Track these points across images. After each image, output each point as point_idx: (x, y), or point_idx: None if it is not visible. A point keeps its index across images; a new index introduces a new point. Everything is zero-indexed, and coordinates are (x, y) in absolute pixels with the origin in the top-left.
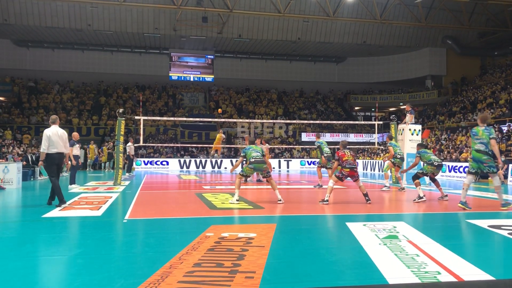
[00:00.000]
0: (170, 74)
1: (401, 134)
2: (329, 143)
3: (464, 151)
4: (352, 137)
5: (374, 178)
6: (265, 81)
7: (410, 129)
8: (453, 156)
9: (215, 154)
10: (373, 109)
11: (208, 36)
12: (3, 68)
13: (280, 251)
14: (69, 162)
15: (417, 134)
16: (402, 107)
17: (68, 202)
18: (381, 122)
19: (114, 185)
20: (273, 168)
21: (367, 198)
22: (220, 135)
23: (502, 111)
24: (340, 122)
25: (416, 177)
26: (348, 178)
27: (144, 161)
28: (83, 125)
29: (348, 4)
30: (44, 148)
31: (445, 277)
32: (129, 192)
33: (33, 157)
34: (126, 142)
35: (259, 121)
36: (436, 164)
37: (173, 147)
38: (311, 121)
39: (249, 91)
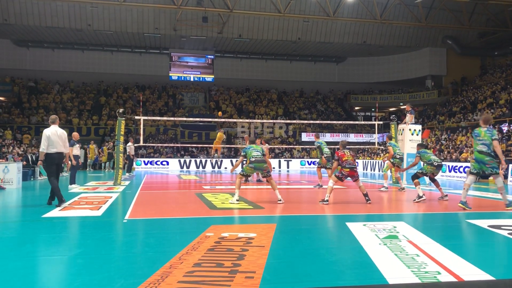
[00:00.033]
0: (170, 74)
1: (401, 134)
2: (329, 143)
3: (464, 151)
4: (352, 137)
5: (374, 178)
6: (265, 81)
7: (410, 129)
8: (453, 156)
9: (215, 154)
10: (373, 109)
11: (208, 36)
12: (3, 68)
13: (280, 251)
14: (69, 162)
15: (417, 134)
16: (402, 107)
17: (68, 202)
18: (381, 122)
19: (114, 185)
20: (273, 168)
21: (367, 198)
22: (220, 134)
23: (502, 111)
24: (340, 122)
25: (415, 176)
26: (348, 178)
27: (144, 161)
28: (83, 125)
29: (348, 4)
30: (43, 148)
31: (445, 277)
32: (129, 192)
33: (33, 157)
34: (126, 142)
35: (259, 121)
36: (436, 164)
37: (173, 147)
38: (311, 121)
39: (249, 91)
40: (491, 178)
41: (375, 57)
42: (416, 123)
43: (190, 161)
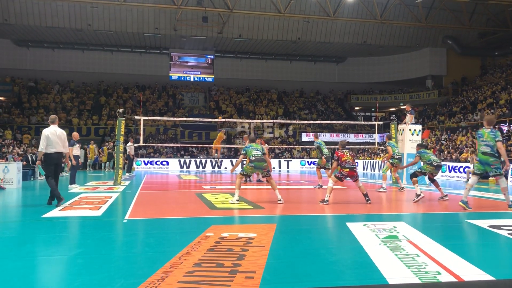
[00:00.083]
0: (170, 74)
1: (401, 134)
2: (329, 143)
3: (464, 151)
4: (352, 137)
5: (374, 178)
6: (265, 81)
7: (410, 129)
8: (453, 156)
9: (215, 154)
10: (373, 109)
11: (208, 36)
12: (3, 68)
13: (280, 251)
14: (70, 162)
15: (417, 134)
16: (402, 107)
17: (68, 202)
18: (381, 122)
19: (114, 185)
20: (273, 168)
21: (367, 198)
22: (221, 134)
23: (502, 111)
24: (340, 122)
25: (414, 175)
26: (348, 178)
27: (144, 161)
28: (83, 125)
29: (348, 4)
30: (42, 147)
31: (445, 277)
32: (129, 192)
33: (33, 157)
34: (126, 142)
35: (259, 121)
36: (435, 164)
37: (173, 147)
38: (311, 121)
39: (249, 91)
40: (491, 178)
41: (375, 57)
42: (416, 123)
43: (190, 161)
